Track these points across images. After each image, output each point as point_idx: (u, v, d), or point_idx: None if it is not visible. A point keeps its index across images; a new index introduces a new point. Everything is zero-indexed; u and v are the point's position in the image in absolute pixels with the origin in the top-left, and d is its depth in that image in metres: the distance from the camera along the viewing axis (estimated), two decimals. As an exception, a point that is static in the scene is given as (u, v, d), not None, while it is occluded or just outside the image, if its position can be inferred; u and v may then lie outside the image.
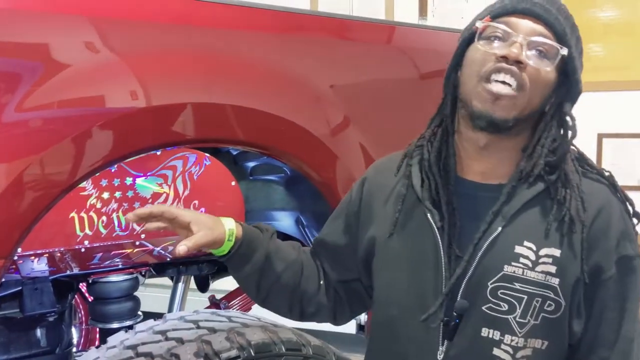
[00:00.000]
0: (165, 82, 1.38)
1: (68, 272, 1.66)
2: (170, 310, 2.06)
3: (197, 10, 1.46)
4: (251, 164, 1.79)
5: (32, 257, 1.45)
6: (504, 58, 1.10)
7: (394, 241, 1.24)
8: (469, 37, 1.18)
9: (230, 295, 2.21)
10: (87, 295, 2.21)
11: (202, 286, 2.13)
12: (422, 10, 3.71)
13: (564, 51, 1.12)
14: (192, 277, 2.12)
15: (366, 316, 2.13)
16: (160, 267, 1.89)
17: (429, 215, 1.19)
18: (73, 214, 1.44)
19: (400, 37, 1.85)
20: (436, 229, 1.18)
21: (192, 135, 1.42)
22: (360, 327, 2.17)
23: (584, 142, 3.57)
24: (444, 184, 1.19)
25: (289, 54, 1.56)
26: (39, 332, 1.80)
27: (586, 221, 1.13)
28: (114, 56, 1.32)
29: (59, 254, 1.47)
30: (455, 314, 1.15)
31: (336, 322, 1.42)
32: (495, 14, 1.16)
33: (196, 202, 1.60)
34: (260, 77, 1.50)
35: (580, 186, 1.15)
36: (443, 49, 1.89)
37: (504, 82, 1.10)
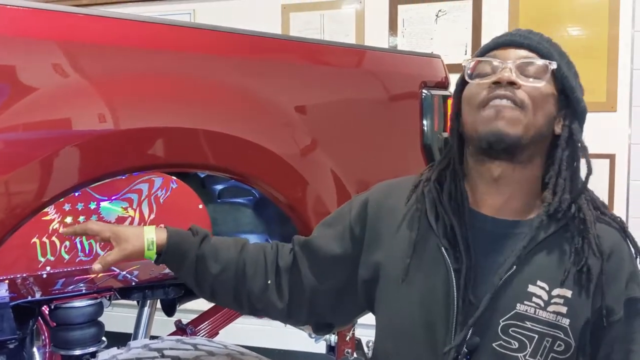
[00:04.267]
0: (134, 106, 1.36)
1: (30, 298, 1.61)
2: (135, 336, 2.02)
3: (168, 34, 1.45)
4: (219, 187, 1.77)
5: (-8, 283, 1.41)
6: (497, 84, 1.13)
7: (405, 273, 1.22)
8: (462, 82, 1.22)
9: (197, 320, 2.17)
10: (48, 319, 2.15)
11: (169, 310, 2.10)
12: (392, 32, 3.74)
13: (553, 65, 1.16)
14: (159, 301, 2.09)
15: (336, 337, 2.12)
16: (126, 291, 1.85)
17: (445, 254, 1.18)
18: (35, 239, 1.40)
19: (371, 60, 1.85)
20: (452, 271, 1.16)
21: (162, 160, 1.40)
22: (330, 348, 2.16)
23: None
24: (459, 224, 1.19)
25: (259, 78, 1.55)
26: (-2, 360, 1.74)
27: (599, 266, 1.14)
28: (83, 80, 1.30)
29: (20, 280, 1.44)
30: (466, 350, 1.14)
31: (290, 323, 1.42)
32: (481, 54, 1.21)
33: (162, 225, 1.57)
34: (230, 102, 1.49)
35: (595, 230, 1.16)
36: (413, 72, 1.92)
37: (502, 100, 1.13)
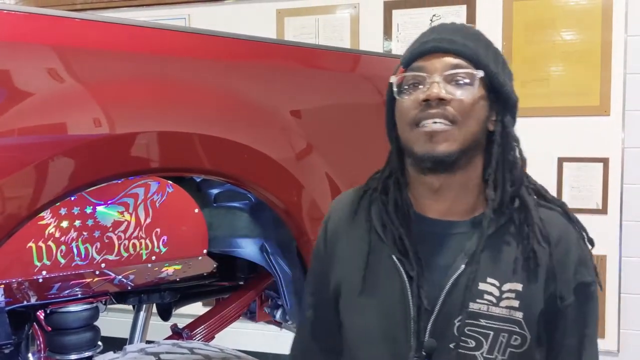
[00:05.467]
0: (129, 110, 1.37)
1: (25, 303, 1.61)
2: (131, 340, 2.01)
3: (163, 39, 1.45)
4: (215, 191, 1.77)
5: (-13, 288, 1.41)
6: (427, 101, 1.12)
7: (362, 285, 1.23)
8: (392, 92, 1.20)
9: (193, 324, 2.17)
10: (44, 324, 2.15)
11: (165, 314, 2.09)
12: (387, 36, 3.76)
13: (480, 73, 1.15)
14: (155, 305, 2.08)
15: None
16: (122, 296, 1.85)
17: (398, 263, 1.19)
18: (31, 244, 1.40)
19: (365, 65, 1.86)
20: (406, 279, 1.17)
21: (157, 165, 1.40)
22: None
23: (545, 166, 3.62)
24: (407, 233, 1.19)
25: (254, 83, 1.56)
26: (-6, 365, 1.74)
27: (548, 252, 1.15)
28: (78, 84, 1.31)
29: (15, 285, 1.43)
30: (424, 354, 1.14)
31: None
32: (407, 62, 1.19)
33: (158, 230, 1.57)
34: (225, 106, 1.49)
35: (540, 217, 1.17)
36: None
37: (434, 123, 1.12)
